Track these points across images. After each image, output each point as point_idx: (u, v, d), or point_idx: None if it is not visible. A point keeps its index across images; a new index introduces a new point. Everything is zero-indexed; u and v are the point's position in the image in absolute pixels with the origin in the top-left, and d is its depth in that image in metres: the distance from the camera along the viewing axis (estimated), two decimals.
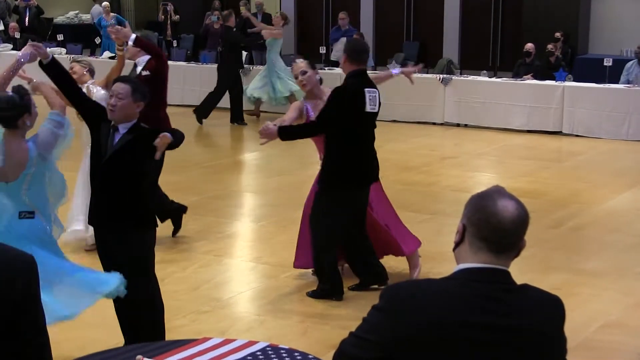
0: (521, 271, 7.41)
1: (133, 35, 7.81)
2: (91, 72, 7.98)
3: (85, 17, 24.01)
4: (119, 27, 6.38)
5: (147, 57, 8.11)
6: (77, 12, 24.73)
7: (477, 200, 2.66)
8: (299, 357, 3.71)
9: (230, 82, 14.98)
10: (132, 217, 5.24)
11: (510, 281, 2.63)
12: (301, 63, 6.85)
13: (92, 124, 5.33)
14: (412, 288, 2.65)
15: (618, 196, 10.09)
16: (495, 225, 2.58)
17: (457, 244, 2.66)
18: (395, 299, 2.58)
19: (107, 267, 5.25)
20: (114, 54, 18.06)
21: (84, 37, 21.27)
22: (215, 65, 15.91)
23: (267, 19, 18.93)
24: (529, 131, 14.40)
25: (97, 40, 19.79)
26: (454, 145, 13.71)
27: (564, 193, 10.30)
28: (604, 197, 10.05)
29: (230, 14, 15.60)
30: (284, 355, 3.72)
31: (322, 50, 17.80)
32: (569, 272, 7.36)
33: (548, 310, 2.65)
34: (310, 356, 3.74)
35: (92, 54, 19.73)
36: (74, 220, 7.71)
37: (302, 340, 5.84)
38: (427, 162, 12.21)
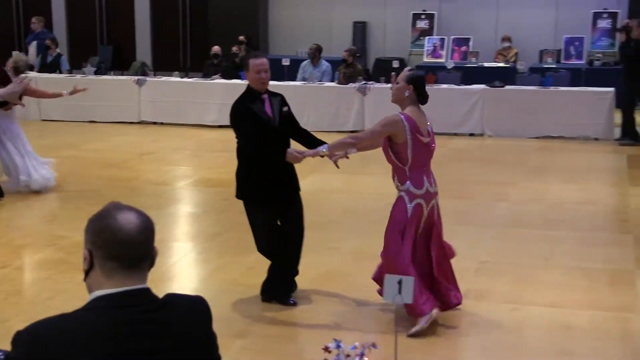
0: (219, 254, 7.53)
1: None
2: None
3: None
4: None
5: None
6: None
7: (97, 221, 2.35)
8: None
9: None
10: None
11: (153, 298, 2.37)
12: (404, 72, 5.71)
13: None
14: (48, 328, 2.24)
15: (303, 180, 10.44)
16: (123, 241, 2.30)
17: (87, 272, 2.35)
18: (33, 345, 2.20)
19: None
20: None
21: None
22: None
23: None
24: (220, 126, 14.61)
25: None
26: (152, 142, 13.61)
27: None
28: None
29: None
30: None
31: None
32: None
33: (196, 317, 2.44)
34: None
35: None
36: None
37: None
38: (127, 159, 12.01)
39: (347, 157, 5.88)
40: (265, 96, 6.05)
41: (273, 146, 5.93)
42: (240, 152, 6.13)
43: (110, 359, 2.22)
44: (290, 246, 6.20)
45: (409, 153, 5.48)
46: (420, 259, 5.66)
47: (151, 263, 2.40)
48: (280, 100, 6.14)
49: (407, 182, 5.53)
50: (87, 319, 2.27)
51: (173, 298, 2.44)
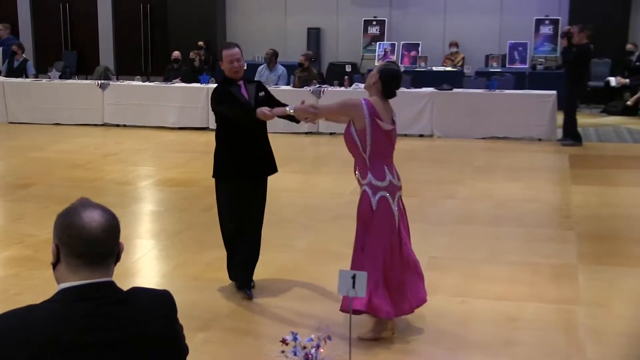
0: (180, 251, 7.49)
1: None
2: None
3: None
4: None
5: None
6: None
7: (64, 218, 2.32)
8: None
9: None
10: None
11: (117, 291, 2.34)
12: (377, 66, 5.74)
13: None
14: (10, 319, 2.24)
15: None
16: (86, 239, 2.28)
17: (55, 265, 2.34)
18: None
19: None
20: None
21: None
22: None
23: None
24: (180, 128, 14.59)
25: None
26: (115, 144, 13.50)
27: (211, 181, 10.47)
28: None
29: None
30: None
31: None
32: (220, 248, 7.41)
33: (161, 311, 2.40)
34: None
35: None
36: None
37: None
38: (92, 160, 11.91)
39: (310, 121, 6.09)
40: (241, 82, 6.20)
41: (249, 127, 6.03)
42: (218, 134, 6.24)
43: (72, 350, 2.19)
44: (253, 233, 6.31)
45: (367, 140, 5.30)
46: (400, 257, 5.48)
47: (117, 258, 2.38)
48: (256, 86, 6.27)
49: (369, 174, 5.33)
50: (51, 310, 2.25)
51: (137, 291, 2.40)
